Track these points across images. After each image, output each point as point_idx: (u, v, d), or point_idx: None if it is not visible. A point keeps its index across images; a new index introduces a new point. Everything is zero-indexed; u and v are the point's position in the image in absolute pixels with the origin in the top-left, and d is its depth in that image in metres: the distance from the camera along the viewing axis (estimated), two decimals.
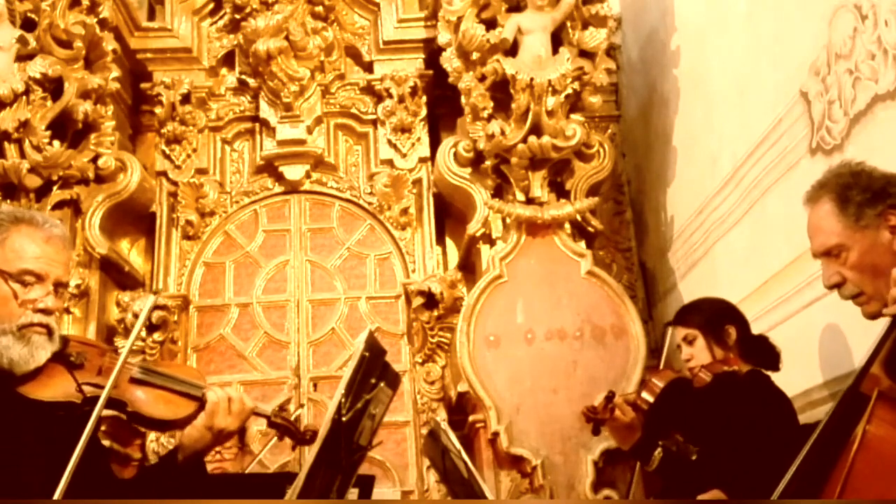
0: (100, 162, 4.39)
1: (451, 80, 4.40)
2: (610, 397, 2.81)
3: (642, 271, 4.84)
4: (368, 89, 4.89)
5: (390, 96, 4.78)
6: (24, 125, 4.14)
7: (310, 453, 1.76)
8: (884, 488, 1.56)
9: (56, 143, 4.21)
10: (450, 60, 4.38)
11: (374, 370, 1.83)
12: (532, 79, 4.13)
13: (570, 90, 4.21)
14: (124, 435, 3.98)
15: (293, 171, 4.77)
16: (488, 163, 4.35)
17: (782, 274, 3.22)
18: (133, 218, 4.67)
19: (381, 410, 1.92)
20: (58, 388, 1.76)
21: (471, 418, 4.11)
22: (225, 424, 1.84)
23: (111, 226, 4.49)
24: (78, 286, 4.20)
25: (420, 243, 4.68)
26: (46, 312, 1.76)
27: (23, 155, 4.17)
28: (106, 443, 3.55)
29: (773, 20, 3.28)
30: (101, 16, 4.39)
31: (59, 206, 4.33)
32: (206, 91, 4.84)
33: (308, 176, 4.80)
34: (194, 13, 4.92)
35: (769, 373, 2.72)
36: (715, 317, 2.80)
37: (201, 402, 1.86)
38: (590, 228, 4.40)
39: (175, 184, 4.71)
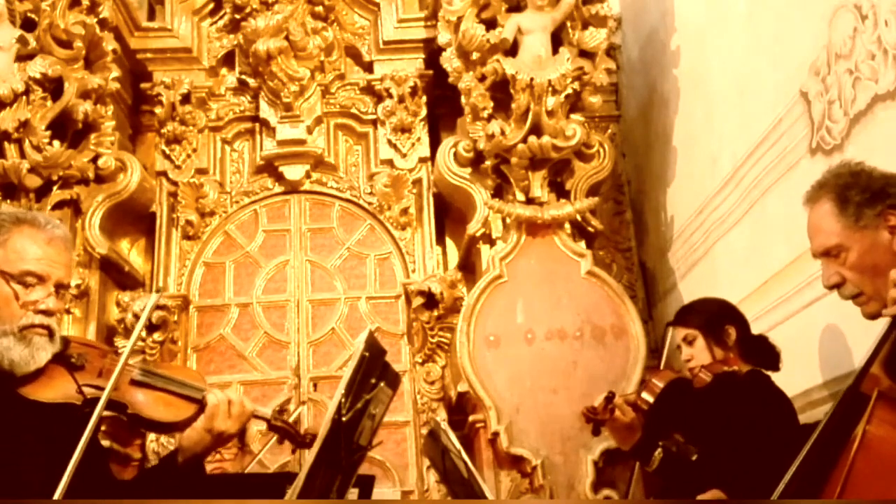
0: (100, 162, 4.39)
1: (451, 80, 4.40)
2: (610, 398, 2.81)
3: (642, 271, 4.84)
4: (368, 89, 4.89)
5: (390, 96, 4.78)
6: (24, 125, 4.14)
7: (310, 453, 1.76)
8: (884, 488, 1.56)
9: (56, 143, 4.21)
10: (450, 60, 4.38)
11: (374, 370, 1.83)
12: (532, 79, 4.13)
13: (570, 90, 4.21)
14: (124, 435, 3.99)
15: (293, 171, 4.77)
16: (488, 163, 4.35)
17: (782, 274, 3.22)
18: (133, 218, 4.67)
19: (381, 410, 1.92)
20: (58, 390, 1.76)
21: (471, 418, 4.11)
22: (225, 427, 1.84)
23: (111, 226, 4.49)
24: (78, 286, 4.19)
25: (420, 243, 4.68)
26: (48, 314, 1.76)
27: (23, 155, 4.17)
28: (106, 443, 3.56)
29: (773, 20, 3.28)
30: (101, 16, 4.38)
31: (59, 206, 4.32)
32: (206, 91, 4.84)
33: (308, 176, 4.80)
34: (194, 13, 4.92)
35: (769, 373, 2.72)
36: (715, 317, 2.81)
37: (201, 405, 1.86)
38: (590, 228, 4.40)
39: (175, 184, 4.71)
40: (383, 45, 4.87)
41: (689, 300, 3.32)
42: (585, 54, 4.29)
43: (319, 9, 4.80)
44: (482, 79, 4.29)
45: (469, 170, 4.45)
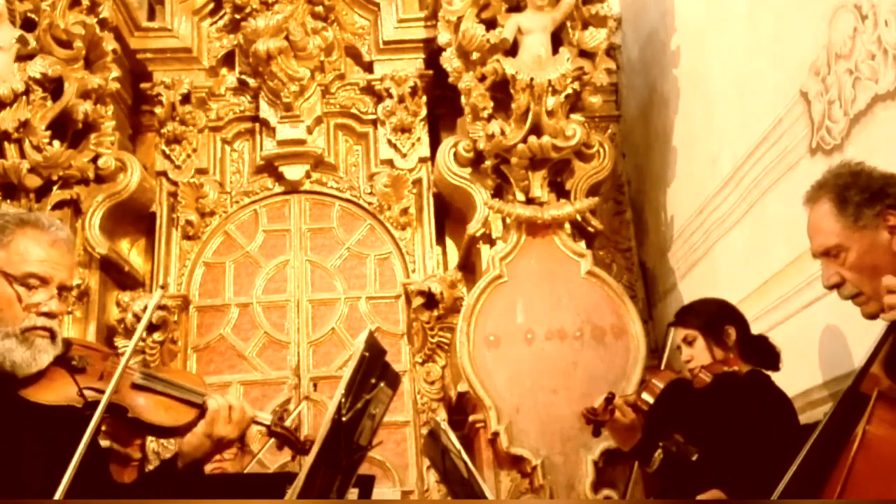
0: (100, 162, 4.39)
1: (451, 80, 4.40)
2: (610, 399, 2.81)
3: (642, 271, 4.84)
4: (368, 89, 4.89)
5: (390, 96, 4.78)
6: (24, 125, 4.14)
7: (310, 453, 1.76)
8: (884, 488, 1.56)
9: (56, 143, 4.21)
10: (450, 60, 4.38)
11: (374, 370, 1.83)
12: (532, 79, 4.13)
13: (570, 90, 4.21)
14: (124, 435, 3.99)
15: (293, 171, 4.77)
16: (488, 163, 4.35)
17: (782, 274, 3.22)
18: (133, 218, 4.67)
19: (381, 410, 1.92)
20: (59, 392, 1.76)
21: (471, 418, 4.11)
22: (225, 433, 1.84)
23: (111, 226, 4.49)
24: (78, 286, 4.19)
25: (420, 243, 4.68)
26: (50, 316, 1.76)
27: (23, 155, 4.16)
28: (106, 443, 3.56)
29: (773, 20, 3.28)
30: (101, 16, 4.38)
31: (59, 206, 4.32)
32: (206, 91, 4.84)
33: (308, 176, 4.80)
34: (194, 13, 4.93)
35: (769, 373, 2.72)
36: (714, 317, 2.81)
37: (202, 410, 1.86)
38: (590, 228, 4.40)
39: (175, 184, 4.71)
40: (383, 45, 4.87)
41: (689, 300, 3.32)
42: (585, 54, 4.29)
43: (319, 9, 4.80)
44: (482, 79, 4.29)
45: (469, 170, 4.45)
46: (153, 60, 4.84)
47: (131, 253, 4.78)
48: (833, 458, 1.62)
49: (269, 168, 4.81)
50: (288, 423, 2.05)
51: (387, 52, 4.87)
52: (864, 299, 1.87)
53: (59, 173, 4.27)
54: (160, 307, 4.29)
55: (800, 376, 2.91)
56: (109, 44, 4.44)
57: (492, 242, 4.37)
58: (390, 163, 4.76)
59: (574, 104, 4.33)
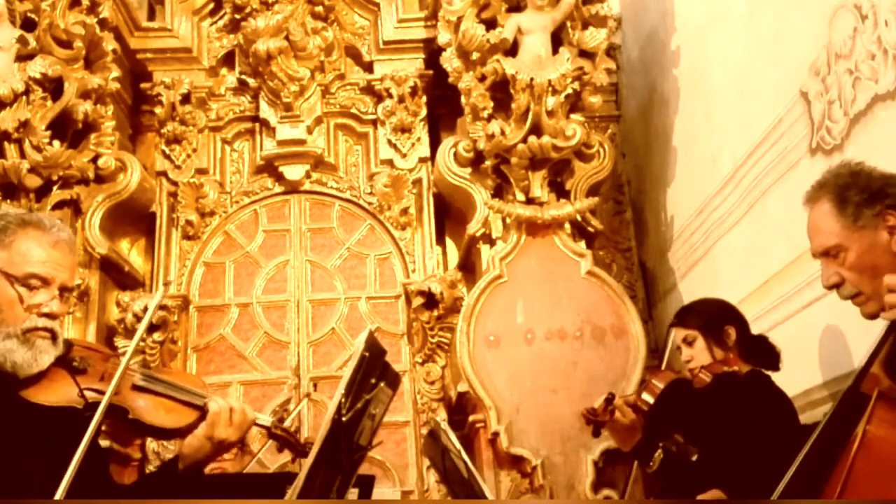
0: (100, 162, 4.39)
1: (451, 80, 4.40)
2: (610, 399, 2.81)
3: (642, 271, 4.84)
4: (368, 89, 4.89)
5: (390, 96, 4.78)
6: (24, 125, 4.14)
7: (310, 453, 1.76)
8: (884, 488, 1.56)
9: (56, 143, 4.21)
10: (450, 60, 4.38)
11: (374, 370, 1.83)
12: (532, 79, 4.13)
13: (570, 90, 4.21)
14: (124, 435, 3.98)
15: (293, 171, 4.77)
16: (488, 163, 4.35)
17: (782, 274, 3.22)
18: (133, 218, 4.67)
19: (381, 410, 1.92)
20: (60, 393, 1.76)
21: (471, 418, 4.11)
22: (225, 435, 1.84)
23: (111, 226, 4.49)
24: (78, 286, 4.19)
25: (420, 243, 4.68)
26: (51, 317, 1.76)
27: (23, 155, 4.17)
28: (105, 443, 3.55)
29: (773, 20, 3.28)
30: (101, 16, 4.39)
31: (59, 206, 4.33)
32: (206, 91, 4.84)
33: (308, 176, 4.80)
34: (194, 13, 4.93)
35: (769, 373, 2.72)
36: (714, 318, 2.80)
37: (203, 412, 1.86)
38: (590, 228, 4.40)
39: (175, 184, 4.71)
40: (383, 45, 4.87)
41: (689, 300, 3.32)
42: (585, 54, 4.29)
43: (319, 9, 4.80)
44: (482, 79, 4.29)
45: (469, 170, 4.45)
46: (153, 60, 4.84)
47: (131, 253, 4.78)
48: (833, 458, 1.62)
49: (269, 168, 4.81)
50: (288, 422, 2.05)
51: (387, 52, 4.87)
52: (864, 299, 1.88)
53: (59, 173, 4.27)
54: (160, 307, 4.29)
55: (800, 376, 2.91)
56: (109, 44, 4.44)
57: (492, 242, 4.37)
58: (390, 163, 4.76)
59: (574, 104, 4.33)
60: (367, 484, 2.61)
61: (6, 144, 4.15)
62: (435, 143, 4.70)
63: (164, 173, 4.74)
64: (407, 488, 4.30)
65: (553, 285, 4.20)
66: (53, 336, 1.77)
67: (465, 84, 4.32)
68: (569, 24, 4.28)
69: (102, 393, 1.73)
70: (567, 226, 4.31)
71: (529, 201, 4.30)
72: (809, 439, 1.69)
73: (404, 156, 4.76)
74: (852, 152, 2.67)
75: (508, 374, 4.04)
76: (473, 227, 4.38)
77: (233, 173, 4.87)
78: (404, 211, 4.69)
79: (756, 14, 3.43)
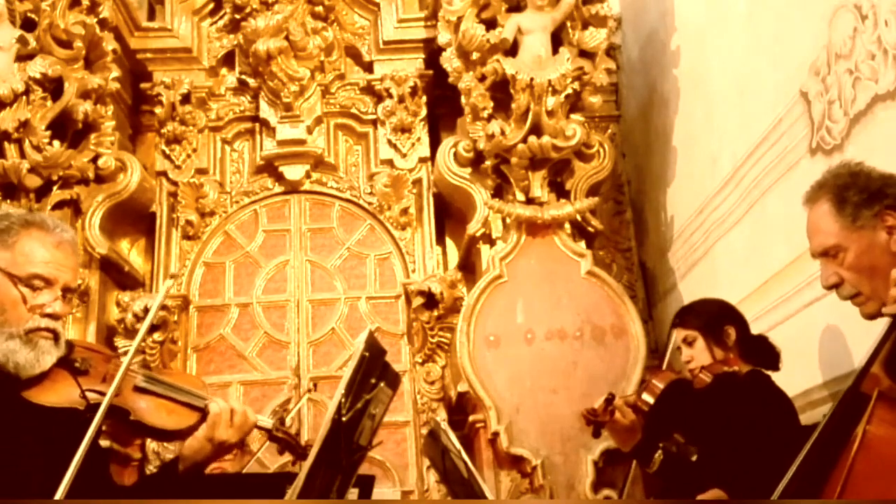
0: (100, 162, 4.39)
1: (451, 80, 4.40)
2: (610, 399, 2.81)
3: (642, 271, 4.84)
4: (368, 89, 4.89)
5: (390, 96, 4.78)
6: (24, 125, 4.14)
7: (310, 453, 1.76)
8: (884, 488, 1.56)
9: (56, 143, 4.21)
10: (450, 60, 4.38)
11: (374, 370, 1.83)
12: (532, 79, 4.13)
13: (570, 90, 4.22)
14: (124, 435, 3.98)
15: (293, 171, 4.77)
16: (488, 163, 4.35)
17: (782, 274, 3.22)
18: (133, 218, 4.67)
19: (381, 410, 1.92)
20: (62, 394, 1.76)
21: (471, 418, 4.11)
22: (226, 437, 1.84)
23: (111, 226, 4.49)
24: (78, 286, 4.19)
25: (420, 243, 4.68)
26: (54, 317, 1.76)
27: (23, 155, 4.17)
28: (105, 443, 3.55)
29: (773, 20, 3.28)
30: (101, 16, 4.39)
31: (59, 206, 4.33)
32: (206, 91, 4.84)
33: (308, 176, 4.80)
34: (194, 13, 4.93)
35: (769, 373, 2.72)
36: (714, 318, 2.80)
37: (204, 413, 1.86)
38: (590, 228, 4.40)
39: (175, 184, 4.71)
40: (383, 45, 4.87)
41: (689, 300, 3.32)
42: (585, 54, 4.29)
43: (319, 9, 4.80)
44: (482, 79, 4.29)
45: (469, 170, 4.45)
46: (153, 60, 4.84)
47: (131, 253, 4.78)
48: (833, 458, 1.62)
49: (269, 168, 4.81)
50: (289, 420, 2.05)
51: (387, 52, 4.87)
52: (863, 299, 1.88)
53: (59, 173, 4.27)
54: (160, 307, 4.28)
55: (800, 376, 2.91)
56: (109, 44, 4.44)
57: (492, 242, 4.37)
58: (390, 163, 4.76)
59: (574, 104, 4.33)
60: (367, 484, 2.61)
61: (6, 144, 4.15)
62: (435, 143, 4.70)
63: (164, 173, 4.74)
64: (407, 488, 4.31)
65: (553, 285, 4.20)
66: (56, 337, 1.77)
67: (465, 84, 4.32)
68: (569, 24, 4.28)
69: (104, 394, 1.73)
70: (567, 226, 4.31)
71: (529, 201, 4.30)
72: (809, 439, 1.69)
73: (404, 156, 4.76)
74: (852, 152, 2.67)
75: (508, 374, 4.04)
76: (473, 227, 4.38)
77: (233, 173, 4.87)
78: (404, 211, 4.69)
79: (756, 14, 3.43)
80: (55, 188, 4.31)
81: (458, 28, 4.31)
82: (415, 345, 4.51)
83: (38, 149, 4.16)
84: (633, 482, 3.46)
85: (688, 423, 2.67)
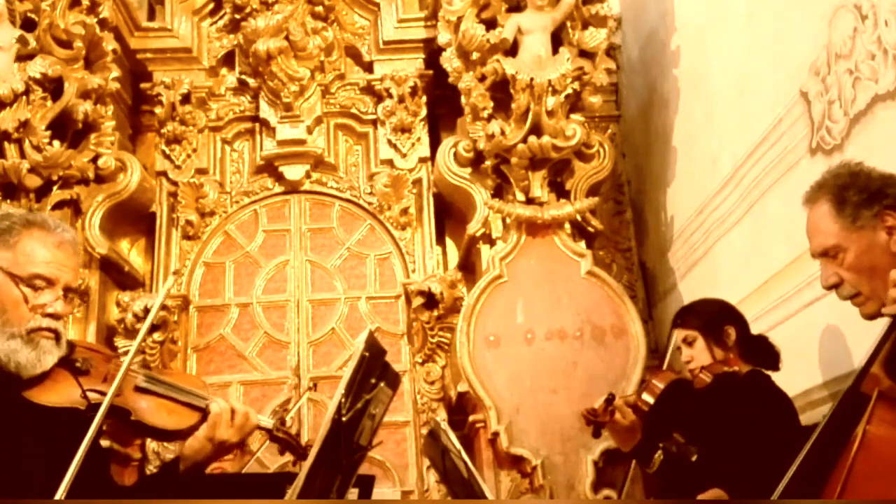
0: (100, 162, 4.39)
1: (451, 80, 4.40)
2: (610, 400, 2.81)
3: (642, 271, 4.84)
4: (368, 89, 4.89)
5: (390, 96, 4.78)
6: (24, 125, 4.14)
7: (310, 453, 1.76)
8: (884, 488, 1.56)
9: (56, 143, 4.21)
10: (450, 60, 4.38)
11: (374, 370, 1.83)
12: (532, 79, 4.13)
13: (570, 90, 4.22)
14: (125, 435, 3.98)
15: (293, 171, 4.77)
16: (488, 163, 4.35)
17: (782, 274, 3.22)
18: (133, 218, 4.67)
19: (381, 410, 1.92)
20: (63, 394, 1.76)
21: (471, 418, 4.11)
22: (227, 437, 1.85)
23: (111, 226, 4.49)
24: (79, 286, 4.19)
25: (420, 243, 4.68)
26: (55, 317, 1.76)
27: (23, 155, 4.17)
28: (106, 443, 3.55)
29: (773, 20, 3.28)
30: (101, 16, 4.39)
31: (59, 206, 4.32)
32: (206, 91, 4.84)
33: (308, 176, 4.80)
34: (194, 13, 4.93)
35: (769, 373, 2.72)
36: (714, 318, 2.81)
37: (204, 413, 1.86)
38: (590, 228, 4.40)
39: (175, 184, 4.71)
40: (383, 45, 4.87)
41: (689, 300, 3.32)
42: (585, 54, 4.29)
43: (319, 9, 4.80)
44: (482, 79, 4.29)
45: (469, 170, 4.45)
46: (153, 60, 4.84)
47: (131, 253, 4.78)
48: (833, 458, 1.62)
49: (269, 168, 4.81)
50: (289, 419, 2.05)
51: (387, 52, 4.87)
52: (863, 300, 1.88)
53: (59, 173, 4.27)
54: (161, 307, 4.28)
55: (800, 376, 2.91)
56: (109, 44, 4.44)
57: (492, 242, 4.37)
58: (390, 163, 4.76)
59: (574, 104, 4.33)
60: (367, 484, 2.61)
61: (6, 144, 4.15)
62: (435, 143, 4.69)
63: (164, 173, 4.74)
64: (407, 488, 4.31)
65: (553, 285, 4.20)
66: (57, 337, 1.77)
67: (465, 84, 4.32)
68: (569, 24, 4.28)
69: (105, 394, 1.73)
70: (567, 226, 4.31)
71: (529, 201, 4.30)
72: (809, 439, 1.69)
73: (404, 156, 4.76)
74: (852, 152, 2.67)
75: (508, 374, 4.04)
76: (473, 227, 4.38)
77: (233, 173, 4.87)
78: (404, 211, 4.69)
79: (756, 14, 3.43)
80: (55, 188, 4.31)
81: (458, 28, 4.31)
82: (415, 345, 4.51)
83: (38, 149, 4.16)
84: (633, 482, 3.46)
85: (688, 423, 2.67)
